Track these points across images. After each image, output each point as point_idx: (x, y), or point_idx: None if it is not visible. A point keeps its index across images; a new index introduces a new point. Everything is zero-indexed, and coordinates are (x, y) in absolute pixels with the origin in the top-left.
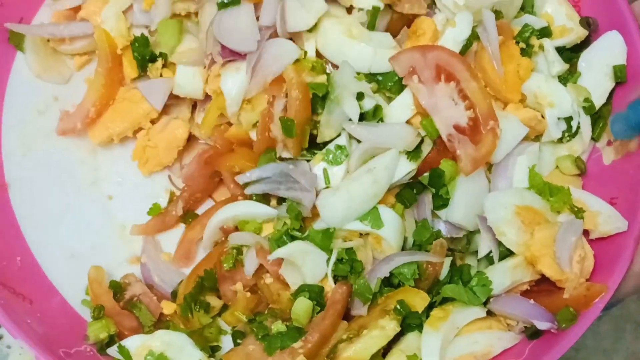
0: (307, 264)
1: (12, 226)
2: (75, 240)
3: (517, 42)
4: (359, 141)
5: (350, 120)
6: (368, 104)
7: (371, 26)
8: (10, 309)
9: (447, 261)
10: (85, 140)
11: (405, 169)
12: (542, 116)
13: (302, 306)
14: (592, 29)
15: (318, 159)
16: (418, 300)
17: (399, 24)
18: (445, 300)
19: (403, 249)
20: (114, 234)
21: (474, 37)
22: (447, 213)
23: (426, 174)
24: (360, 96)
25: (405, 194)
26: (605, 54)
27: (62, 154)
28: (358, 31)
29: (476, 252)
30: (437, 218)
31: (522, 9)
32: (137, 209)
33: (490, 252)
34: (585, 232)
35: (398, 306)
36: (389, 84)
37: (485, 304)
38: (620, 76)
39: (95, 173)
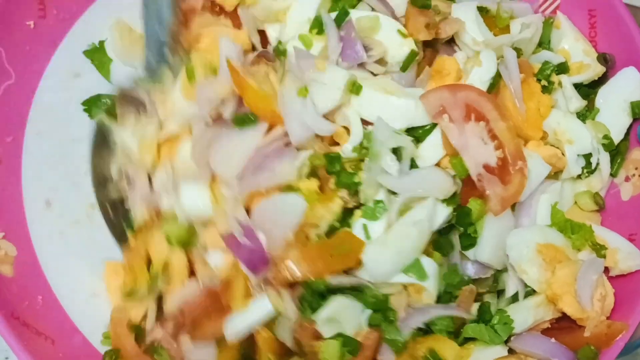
0: (347, 318)
1: (34, 265)
2: (97, 279)
3: (538, 80)
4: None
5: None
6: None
7: (404, 68)
8: (33, 349)
9: (475, 306)
10: None
11: (443, 215)
12: (562, 153)
13: (332, 349)
14: (610, 65)
15: (357, 215)
16: (448, 349)
17: (421, 63)
18: (467, 339)
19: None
20: None
21: (497, 75)
22: (476, 252)
23: (454, 213)
24: (398, 150)
25: (443, 242)
26: (623, 90)
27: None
28: (392, 87)
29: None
30: (465, 259)
31: (539, 45)
32: None
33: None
34: (605, 269)
35: (429, 356)
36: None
37: (506, 341)
38: (638, 112)
39: None
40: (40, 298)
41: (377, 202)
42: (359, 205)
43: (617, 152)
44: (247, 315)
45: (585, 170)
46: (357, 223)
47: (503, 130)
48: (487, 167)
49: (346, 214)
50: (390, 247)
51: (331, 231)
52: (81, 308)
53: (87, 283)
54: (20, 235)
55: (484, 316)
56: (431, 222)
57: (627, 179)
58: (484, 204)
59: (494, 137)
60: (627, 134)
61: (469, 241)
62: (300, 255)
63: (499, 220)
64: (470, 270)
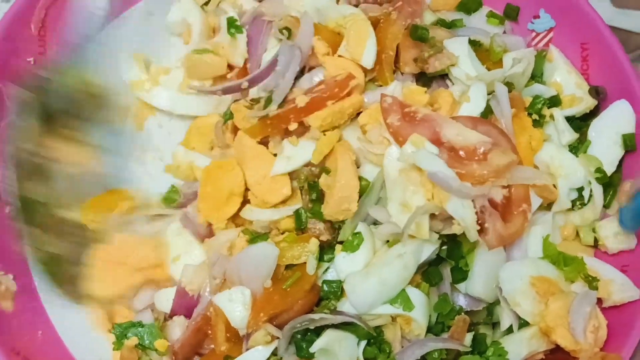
0: (342, 350)
1: (34, 300)
2: (95, 313)
3: (530, 114)
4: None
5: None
6: None
7: None
8: None
9: (469, 336)
10: None
11: (430, 249)
12: (554, 186)
13: None
14: (601, 97)
15: (338, 249)
16: None
17: None
18: None
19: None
20: None
21: (488, 110)
22: (467, 286)
23: (444, 247)
24: None
25: (431, 273)
26: (614, 123)
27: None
28: None
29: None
30: (457, 291)
31: (532, 77)
32: None
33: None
34: (599, 300)
35: None
36: None
37: None
38: (630, 145)
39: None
40: (40, 333)
41: (356, 234)
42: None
43: (609, 184)
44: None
45: (578, 203)
46: (340, 257)
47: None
48: (491, 201)
49: (327, 250)
50: (372, 277)
51: None
52: (81, 342)
53: (86, 317)
54: (20, 270)
55: (478, 347)
56: (417, 256)
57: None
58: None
59: None
60: (620, 165)
61: (461, 275)
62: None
63: (491, 254)
64: (462, 302)
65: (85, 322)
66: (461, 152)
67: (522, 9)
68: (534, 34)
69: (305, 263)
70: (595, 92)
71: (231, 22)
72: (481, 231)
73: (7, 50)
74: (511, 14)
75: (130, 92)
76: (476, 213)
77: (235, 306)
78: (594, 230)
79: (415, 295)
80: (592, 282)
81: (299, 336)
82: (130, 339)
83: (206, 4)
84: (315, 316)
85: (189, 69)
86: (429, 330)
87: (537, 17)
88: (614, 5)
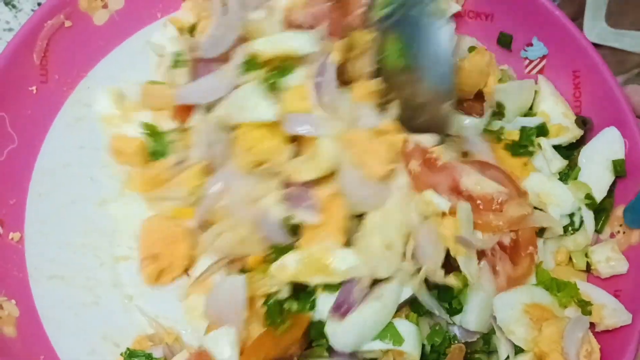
0: None
1: (36, 325)
2: (97, 336)
3: (524, 145)
4: None
5: None
6: None
7: None
8: None
9: None
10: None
11: (409, 291)
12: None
13: None
14: (588, 127)
15: (319, 290)
16: None
17: None
18: None
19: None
20: (136, 332)
21: None
22: (461, 320)
23: (435, 290)
24: None
25: (418, 304)
26: (605, 149)
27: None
28: None
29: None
30: (452, 323)
31: None
32: (159, 308)
33: None
34: (591, 325)
35: None
36: None
37: None
38: (620, 170)
39: (116, 278)
40: (43, 358)
41: None
42: None
43: (601, 209)
44: None
45: (570, 229)
46: (323, 296)
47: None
48: (500, 244)
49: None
50: (353, 321)
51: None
52: None
53: (87, 343)
54: (23, 296)
55: None
56: (397, 296)
57: (612, 235)
58: (465, 277)
59: None
60: (612, 190)
61: (455, 312)
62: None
63: (483, 288)
64: (458, 333)
65: (87, 348)
66: (479, 202)
67: (515, 37)
68: (527, 61)
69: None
70: (581, 122)
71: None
72: (493, 272)
73: (9, 80)
74: (504, 41)
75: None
76: (486, 256)
77: (223, 347)
78: (586, 255)
79: (405, 327)
80: (585, 306)
81: None
82: None
83: (191, 31)
84: None
85: (143, 99)
86: (424, 359)
87: (529, 45)
88: (610, 25)
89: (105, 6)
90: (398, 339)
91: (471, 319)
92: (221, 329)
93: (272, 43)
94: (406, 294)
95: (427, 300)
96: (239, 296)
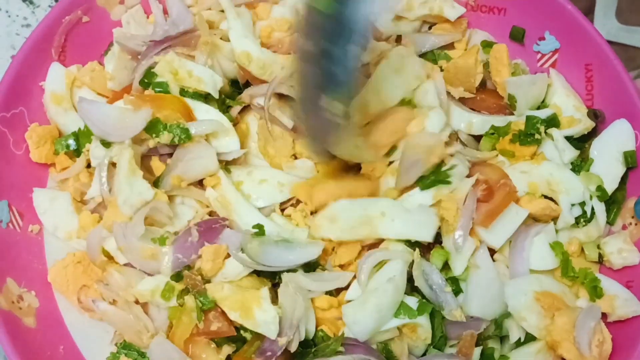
0: None
1: (55, 316)
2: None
3: (531, 134)
4: None
5: None
6: None
7: None
8: None
9: (478, 351)
10: None
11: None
12: (556, 203)
13: None
14: (600, 120)
15: None
16: None
17: None
18: None
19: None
20: None
21: None
22: (464, 307)
23: None
24: None
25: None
26: (616, 141)
27: None
28: None
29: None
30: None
31: None
32: None
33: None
34: (604, 315)
35: None
36: None
37: None
38: (631, 162)
39: None
40: (62, 348)
41: None
42: None
43: (613, 201)
44: None
45: (581, 219)
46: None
47: (488, 172)
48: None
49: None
50: (368, 306)
51: None
52: (102, 356)
53: (106, 331)
54: (42, 287)
55: None
56: (404, 276)
57: (624, 227)
58: (447, 252)
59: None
60: (624, 182)
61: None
62: None
63: (482, 274)
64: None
65: (106, 338)
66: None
67: (527, 31)
68: (539, 55)
69: None
70: (593, 115)
71: None
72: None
73: (28, 75)
74: (517, 36)
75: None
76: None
77: None
78: (598, 247)
79: (414, 302)
80: (594, 289)
81: None
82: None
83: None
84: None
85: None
86: (433, 344)
87: (542, 38)
88: (620, 22)
89: (122, 2)
90: (412, 313)
91: (473, 304)
92: None
93: None
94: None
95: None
96: None
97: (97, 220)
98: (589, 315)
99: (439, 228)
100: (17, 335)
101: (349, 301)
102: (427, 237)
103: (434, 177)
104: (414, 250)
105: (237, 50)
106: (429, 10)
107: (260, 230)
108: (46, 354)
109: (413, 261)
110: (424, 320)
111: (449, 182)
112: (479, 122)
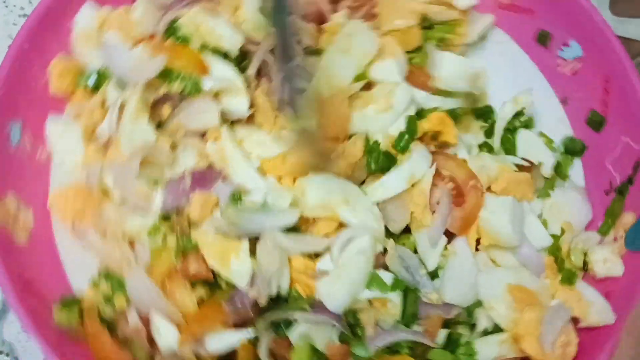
0: (316, 334)
1: (47, 235)
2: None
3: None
4: None
5: None
6: None
7: None
8: (29, 309)
9: (444, 332)
10: None
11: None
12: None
13: (303, 353)
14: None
15: None
16: None
17: None
18: None
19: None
20: None
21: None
22: (439, 293)
23: None
24: None
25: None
26: None
27: None
28: None
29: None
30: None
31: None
32: None
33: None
34: (575, 320)
35: None
36: None
37: None
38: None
39: None
40: (49, 269)
41: None
42: None
43: (610, 212)
44: (229, 336)
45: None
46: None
47: (452, 167)
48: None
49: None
50: (344, 280)
51: None
52: (84, 283)
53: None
54: (41, 210)
55: (451, 345)
56: (374, 248)
57: (615, 239)
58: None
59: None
60: (622, 195)
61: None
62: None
63: (459, 261)
64: (439, 310)
65: (93, 267)
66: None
67: (553, 36)
68: (560, 60)
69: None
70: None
71: None
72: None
73: (60, 10)
74: (543, 39)
75: None
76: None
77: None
78: (585, 255)
79: (388, 277)
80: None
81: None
82: (102, 283)
83: None
84: (296, 315)
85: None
86: (403, 321)
87: (566, 45)
88: (613, 14)
89: None
90: (384, 287)
91: (447, 290)
92: None
93: None
94: (379, 247)
95: (397, 263)
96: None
97: (102, 156)
98: (558, 315)
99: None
100: (5, 247)
101: (321, 270)
102: (394, 230)
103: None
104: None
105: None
106: None
107: (236, 196)
108: (31, 271)
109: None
110: (395, 297)
111: None
112: (423, 99)
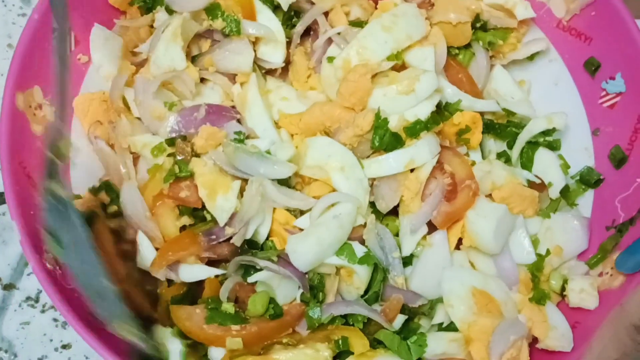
0: (280, 289)
1: (64, 132)
2: None
3: None
4: None
5: None
6: None
7: None
8: (22, 194)
9: (402, 318)
10: None
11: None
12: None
13: (260, 299)
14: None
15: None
16: (359, 344)
17: None
18: (378, 343)
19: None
20: None
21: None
22: (407, 280)
23: None
24: None
25: None
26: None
27: None
28: None
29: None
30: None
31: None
32: None
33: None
34: (534, 340)
35: (340, 341)
36: None
37: None
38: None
39: None
40: None
41: None
42: None
43: (601, 248)
44: (200, 270)
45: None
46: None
47: (455, 164)
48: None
49: None
50: (312, 239)
51: None
52: (84, 187)
53: (99, 167)
54: (65, 109)
55: (406, 332)
56: (352, 218)
57: (600, 274)
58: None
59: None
60: (621, 234)
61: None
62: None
63: (434, 252)
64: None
65: (98, 174)
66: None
67: (602, 67)
68: (603, 92)
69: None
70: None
71: None
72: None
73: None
74: (591, 67)
75: None
76: None
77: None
78: (565, 281)
79: (360, 250)
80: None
81: None
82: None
83: None
84: (261, 263)
85: None
86: (365, 297)
87: (612, 78)
88: None
89: None
90: (353, 257)
91: (416, 280)
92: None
93: None
94: (360, 220)
95: (374, 239)
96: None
97: (133, 72)
98: (513, 328)
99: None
100: (18, 131)
101: (298, 227)
102: (380, 208)
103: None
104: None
105: None
106: (504, 2)
107: (239, 136)
108: (35, 159)
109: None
110: (362, 271)
111: None
112: (450, 93)
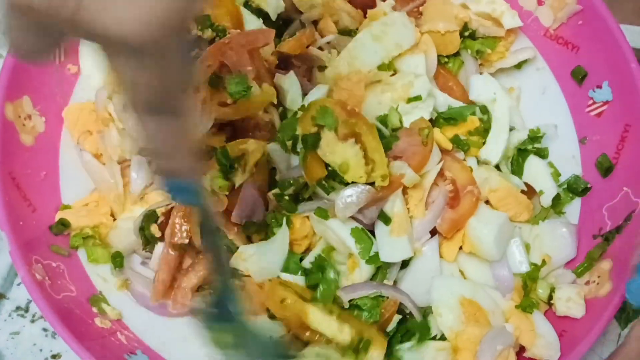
0: None
1: (54, 143)
2: None
3: None
4: None
5: None
6: None
7: None
8: (12, 206)
9: (396, 318)
10: None
11: None
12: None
13: None
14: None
15: None
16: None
17: None
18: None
19: None
20: None
21: None
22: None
23: None
24: None
25: None
26: None
27: None
28: None
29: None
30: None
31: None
32: None
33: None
34: (521, 349)
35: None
36: None
37: None
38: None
39: None
40: (44, 174)
41: None
42: None
43: (588, 257)
44: None
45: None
46: None
47: (456, 170)
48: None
49: None
50: None
51: None
52: (76, 196)
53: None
54: (55, 119)
55: (400, 332)
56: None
57: (587, 282)
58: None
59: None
60: (608, 242)
61: None
62: None
63: (425, 259)
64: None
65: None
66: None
67: (589, 75)
68: (590, 101)
69: None
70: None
71: None
72: None
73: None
74: (578, 76)
75: None
76: None
77: None
78: (552, 290)
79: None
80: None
81: None
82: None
83: None
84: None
85: None
86: None
87: (599, 87)
88: None
89: None
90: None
91: (404, 285)
92: None
93: None
94: None
95: None
96: None
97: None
98: (500, 337)
99: None
100: (7, 141)
101: None
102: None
103: None
104: None
105: None
106: (491, 11)
107: None
108: (27, 171)
109: None
110: (365, 268)
111: None
112: (442, 101)
